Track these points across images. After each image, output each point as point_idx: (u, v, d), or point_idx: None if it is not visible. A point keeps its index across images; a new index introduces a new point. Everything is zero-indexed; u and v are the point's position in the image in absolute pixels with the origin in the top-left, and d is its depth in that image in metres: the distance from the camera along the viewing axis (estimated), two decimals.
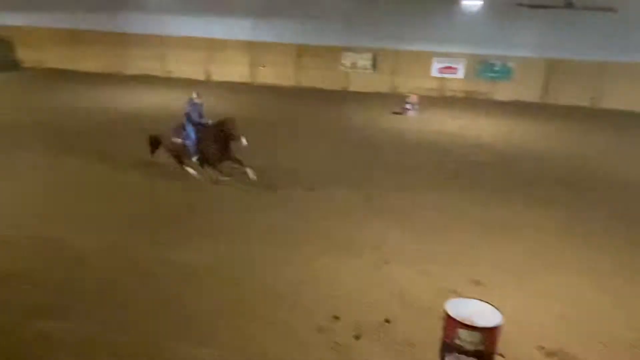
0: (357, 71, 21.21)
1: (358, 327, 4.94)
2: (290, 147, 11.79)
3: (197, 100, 8.85)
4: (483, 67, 20.36)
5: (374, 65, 21.00)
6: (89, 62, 22.85)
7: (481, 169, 10.81)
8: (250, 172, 8.51)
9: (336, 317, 5.08)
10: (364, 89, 21.07)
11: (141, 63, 22.53)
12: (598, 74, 19.38)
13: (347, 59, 21.16)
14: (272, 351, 4.56)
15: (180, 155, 9.02)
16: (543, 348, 4.71)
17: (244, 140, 8.33)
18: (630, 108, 19.19)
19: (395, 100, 18.26)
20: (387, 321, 5.05)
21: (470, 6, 19.19)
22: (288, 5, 20.60)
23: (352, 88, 21.26)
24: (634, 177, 10.68)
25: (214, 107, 16.19)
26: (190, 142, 8.77)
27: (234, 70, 21.99)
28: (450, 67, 20.51)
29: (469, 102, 19.86)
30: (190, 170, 9.06)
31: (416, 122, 15.58)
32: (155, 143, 9.38)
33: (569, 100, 19.81)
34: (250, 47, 21.63)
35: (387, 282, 5.81)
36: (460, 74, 20.55)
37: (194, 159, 8.90)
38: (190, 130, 8.78)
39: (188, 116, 8.78)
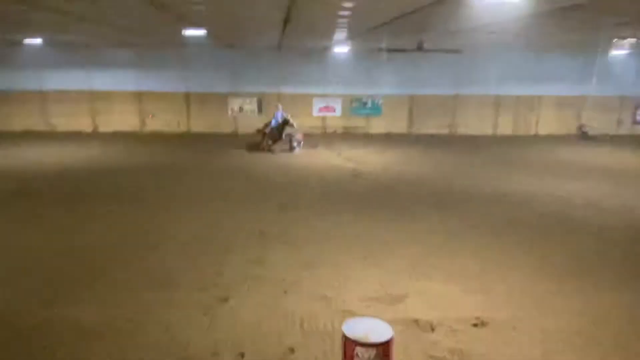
0: (244, 114, 21.21)
1: None
2: (180, 190, 11.35)
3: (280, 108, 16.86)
4: (357, 105, 21.44)
5: (260, 108, 21.18)
6: None
7: (366, 196, 11.21)
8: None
9: (241, 354, 4.86)
10: (252, 130, 21.06)
11: (23, 120, 20.58)
12: (452, 105, 21.42)
13: (234, 104, 21.12)
14: None
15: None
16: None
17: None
18: (479, 132, 21.50)
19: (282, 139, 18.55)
20: (292, 350, 4.95)
21: (339, 53, 20.25)
22: (173, 56, 20.21)
23: (241, 130, 21.22)
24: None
25: (99, 158, 15.31)
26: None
27: (122, 120, 20.88)
28: (328, 107, 21.31)
29: (348, 137, 20.72)
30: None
31: (302, 157, 15.87)
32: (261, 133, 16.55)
33: (429, 130, 21.59)
34: (138, 97, 20.76)
35: (287, 311, 5.71)
36: (338, 112, 21.42)
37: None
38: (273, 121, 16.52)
39: (275, 117, 16.57)
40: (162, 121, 21.05)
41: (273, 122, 16.87)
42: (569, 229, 8.93)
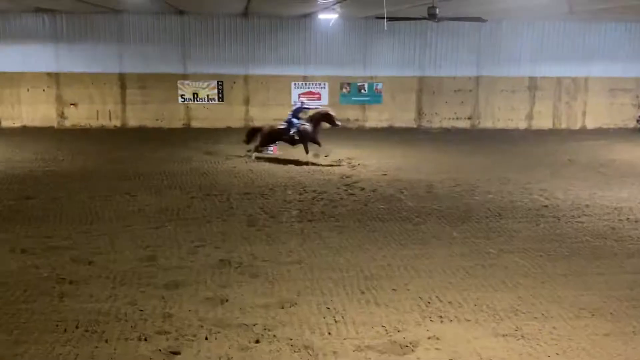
0: (199, 103, 21.15)
1: None
2: (112, 204, 11.21)
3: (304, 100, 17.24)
4: (349, 91, 21.51)
5: (221, 95, 21.12)
6: None
7: (362, 211, 11.22)
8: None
9: None
10: (211, 124, 21.05)
11: None
12: (474, 90, 21.67)
13: (186, 89, 21.05)
14: None
15: (272, 139, 16.09)
16: None
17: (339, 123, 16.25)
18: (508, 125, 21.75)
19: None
20: None
21: (326, 22, 20.22)
22: (103, 26, 20.07)
23: (195, 124, 21.12)
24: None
25: (1, 163, 15.09)
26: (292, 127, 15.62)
27: (33, 111, 20.69)
28: (311, 93, 21.35)
29: (338, 132, 20.67)
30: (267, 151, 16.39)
31: (277, 159, 15.95)
32: (253, 133, 16.22)
33: (444, 122, 21.80)
34: (55, 79, 20.55)
35: None
36: (325, 99, 21.47)
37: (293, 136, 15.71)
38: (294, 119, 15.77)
39: (294, 111, 15.92)
40: (87, 112, 20.93)
41: (295, 121, 15.74)
42: (628, 252, 8.97)
